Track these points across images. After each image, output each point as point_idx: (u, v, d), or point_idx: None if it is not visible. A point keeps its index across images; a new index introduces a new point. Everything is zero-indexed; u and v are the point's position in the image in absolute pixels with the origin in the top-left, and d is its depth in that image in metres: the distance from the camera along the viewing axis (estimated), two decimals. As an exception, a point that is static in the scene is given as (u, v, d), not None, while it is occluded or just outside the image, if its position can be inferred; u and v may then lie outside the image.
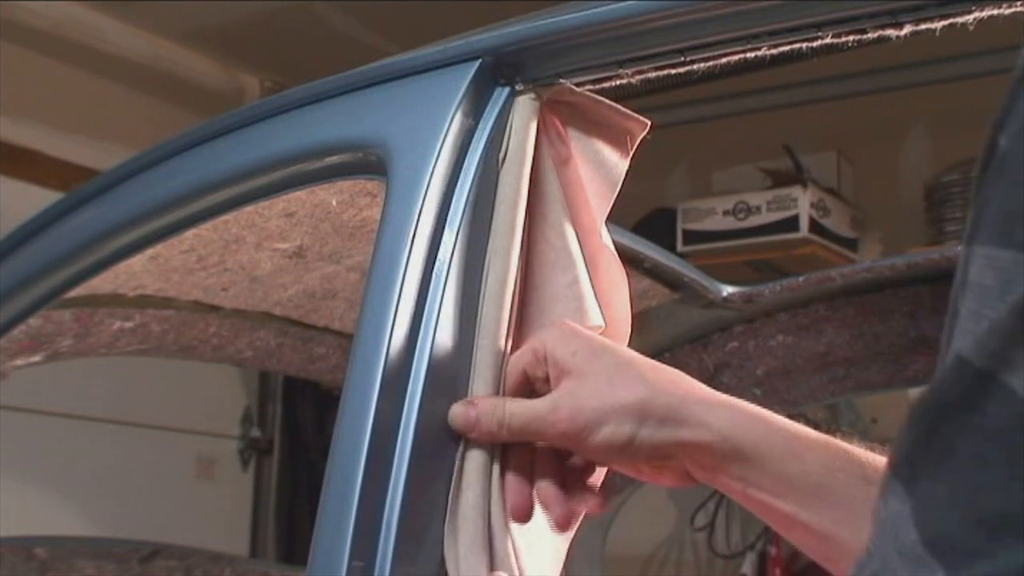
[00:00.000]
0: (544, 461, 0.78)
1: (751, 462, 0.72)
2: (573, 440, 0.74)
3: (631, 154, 0.88)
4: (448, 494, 0.76)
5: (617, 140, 0.87)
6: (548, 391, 0.77)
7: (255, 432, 3.85)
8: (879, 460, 0.72)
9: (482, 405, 0.76)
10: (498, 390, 0.78)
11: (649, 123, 0.87)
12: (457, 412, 0.76)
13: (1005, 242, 0.38)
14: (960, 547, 0.37)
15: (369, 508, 0.74)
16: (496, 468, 0.78)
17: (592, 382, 0.74)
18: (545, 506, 0.77)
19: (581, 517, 0.79)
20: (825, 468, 0.72)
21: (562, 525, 0.78)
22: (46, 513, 3.17)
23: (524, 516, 0.76)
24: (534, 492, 0.77)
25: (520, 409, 0.76)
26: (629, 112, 0.87)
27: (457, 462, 0.76)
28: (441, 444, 0.76)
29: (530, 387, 0.78)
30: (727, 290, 1.41)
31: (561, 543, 0.81)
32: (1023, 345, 0.37)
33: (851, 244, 3.27)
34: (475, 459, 0.76)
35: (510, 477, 0.77)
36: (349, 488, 0.75)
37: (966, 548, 0.36)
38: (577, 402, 0.74)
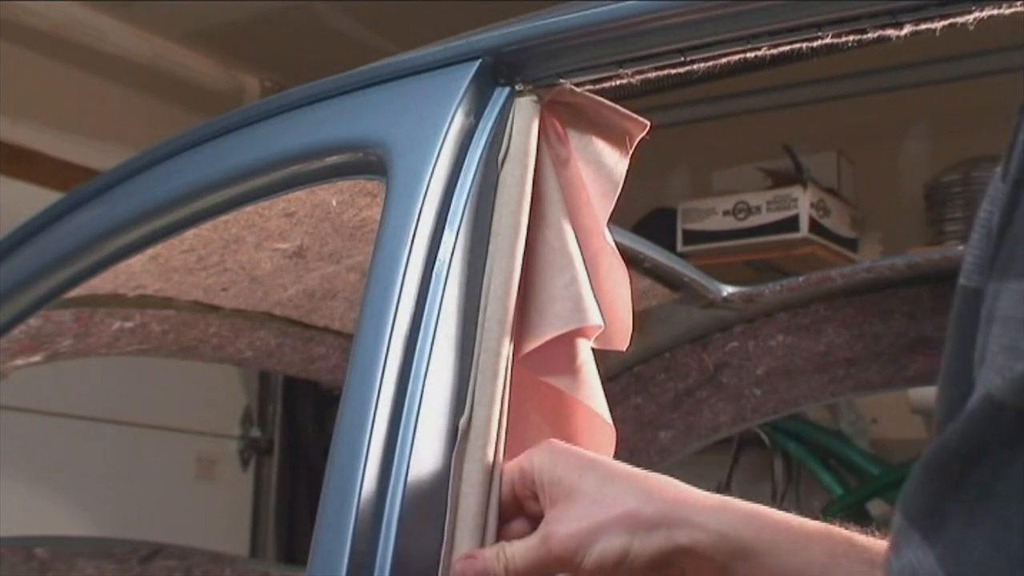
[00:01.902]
0: None
1: (753, 559, 0.71)
2: (569, 565, 0.73)
3: (631, 154, 0.88)
4: (448, 494, 0.76)
5: (617, 141, 0.87)
6: (537, 509, 0.76)
7: (255, 432, 3.86)
8: (881, 543, 0.71)
9: (485, 556, 0.75)
10: (499, 394, 0.78)
11: (648, 124, 0.87)
12: (464, 568, 0.74)
13: None
14: None
15: (369, 508, 0.74)
16: (496, 468, 0.78)
17: (579, 503, 0.73)
18: None
19: None
20: (829, 556, 0.70)
21: None
22: (46, 513, 3.17)
23: None
24: None
25: (520, 551, 0.74)
26: (629, 113, 0.87)
27: (456, 462, 0.76)
28: (441, 444, 0.76)
29: (517, 504, 0.78)
30: (727, 290, 1.41)
31: None
32: None
33: (851, 244, 3.27)
34: (475, 459, 0.76)
35: None
36: (349, 488, 0.75)
37: None
38: (566, 526, 0.73)
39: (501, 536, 0.77)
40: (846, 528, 0.73)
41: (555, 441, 0.78)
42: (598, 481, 0.74)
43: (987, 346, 0.39)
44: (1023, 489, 0.36)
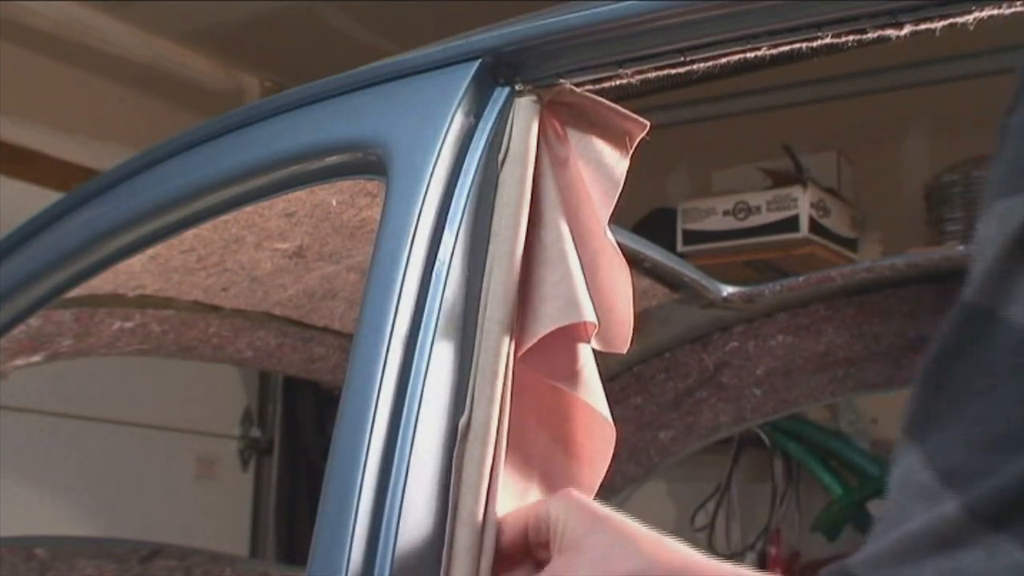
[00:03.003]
0: None
1: None
2: None
3: (630, 155, 0.88)
4: (448, 494, 0.76)
5: (617, 141, 0.87)
6: (546, 556, 0.76)
7: (255, 432, 3.86)
8: None
9: None
10: (499, 394, 0.78)
11: (648, 124, 0.87)
12: None
13: (1008, 192, 0.40)
14: (971, 472, 0.38)
15: (369, 508, 0.74)
16: (496, 468, 0.78)
17: (588, 556, 0.73)
18: None
19: None
20: None
21: None
22: (46, 513, 3.17)
23: None
24: None
25: None
26: (628, 113, 0.87)
27: (456, 462, 0.76)
28: (441, 444, 0.76)
29: (526, 548, 0.77)
30: (727, 290, 1.41)
31: None
32: (1016, 279, 0.38)
33: (851, 244, 3.27)
34: (474, 459, 0.76)
35: None
36: (349, 488, 0.75)
37: (977, 471, 0.38)
38: (573, 572, 0.73)
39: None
40: None
41: (573, 492, 0.78)
42: (607, 539, 0.74)
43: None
44: (988, 378, 0.39)
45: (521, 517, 0.77)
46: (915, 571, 0.38)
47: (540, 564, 0.77)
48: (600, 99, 0.86)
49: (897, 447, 0.42)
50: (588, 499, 0.78)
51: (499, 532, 0.77)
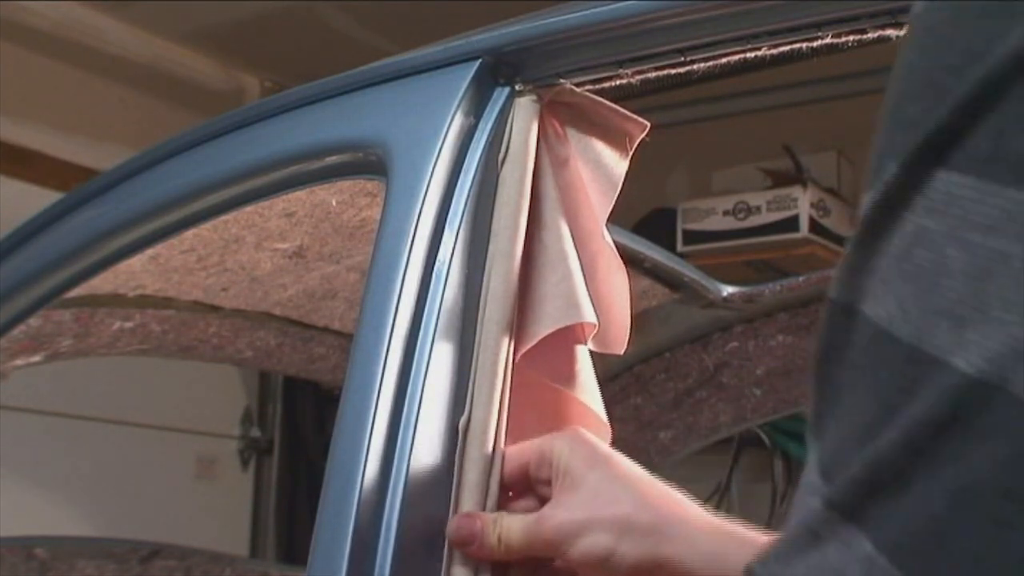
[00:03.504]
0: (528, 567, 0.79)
1: None
2: (556, 550, 0.75)
3: (630, 155, 0.88)
4: (448, 494, 0.76)
5: (616, 141, 0.87)
6: (547, 492, 0.77)
7: (255, 432, 3.85)
8: None
9: (483, 520, 0.76)
10: (499, 394, 0.78)
11: (648, 124, 0.87)
12: (461, 524, 0.76)
13: (868, 185, 0.40)
14: (839, 466, 0.39)
15: (369, 508, 0.74)
16: (495, 468, 0.78)
17: (581, 494, 0.75)
18: None
19: None
20: None
21: None
22: (46, 513, 3.17)
23: None
24: None
25: (517, 525, 0.76)
26: (628, 113, 0.87)
27: (457, 462, 0.76)
28: (441, 444, 0.76)
29: (527, 484, 0.78)
30: (727, 290, 1.41)
31: None
32: (867, 272, 0.39)
33: (851, 244, 3.26)
34: (474, 459, 0.77)
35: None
36: (349, 488, 0.75)
37: (843, 465, 0.38)
38: (562, 514, 0.75)
39: (505, 508, 0.78)
40: None
41: (580, 430, 0.79)
42: (603, 478, 0.75)
43: None
44: (851, 374, 0.40)
45: (524, 452, 0.79)
46: (792, 569, 0.39)
47: (541, 499, 0.78)
48: (600, 99, 0.86)
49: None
50: (592, 437, 0.79)
51: (505, 466, 0.78)
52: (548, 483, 0.77)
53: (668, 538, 0.73)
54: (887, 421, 0.37)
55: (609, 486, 0.75)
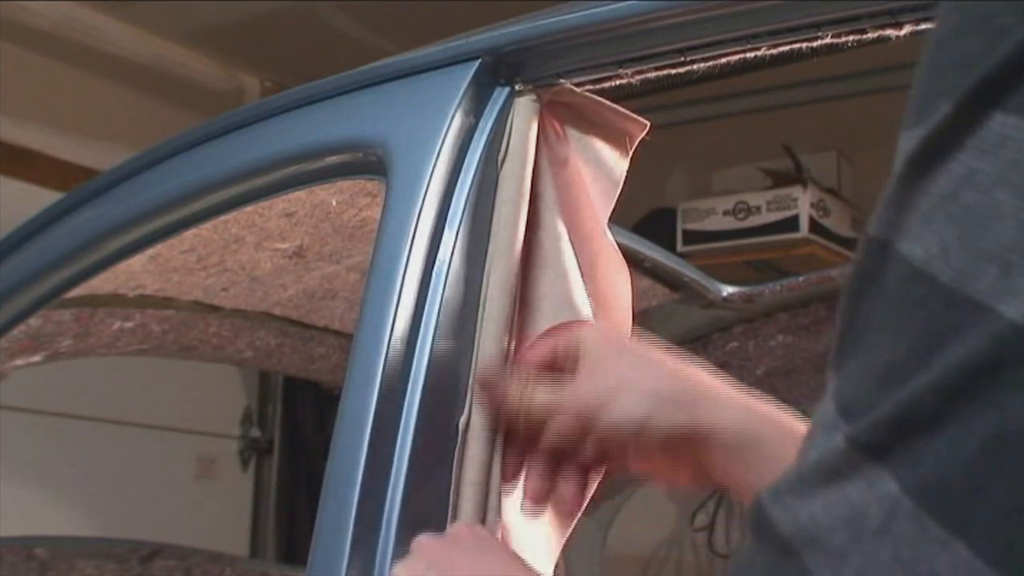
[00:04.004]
0: (542, 457, 0.78)
1: (768, 454, 0.72)
2: (589, 417, 0.74)
3: (630, 155, 0.88)
4: (448, 494, 0.76)
5: (616, 141, 0.87)
6: (570, 381, 0.77)
7: (255, 432, 3.85)
8: None
9: (511, 377, 0.77)
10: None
11: (648, 124, 0.87)
12: (489, 375, 0.76)
13: (908, 125, 0.40)
14: (861, 404, 0.38)
15: (369, 508, 0.74)
16: (496, 468, 0.78)
17: (610, 371, 0.75)
18: (546, 492, 0.78)
19: (571, 516, 0.79)
20: None
21: (538, 500, 0.78)
22: (46, 513, 3.17)
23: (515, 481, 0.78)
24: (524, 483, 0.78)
25: (544, 392, 0.76)
26: (628, 113, 0.87)
27: (456, 462, 0.76)
28: (441, 444, 0.76)
29: (552, 370, 0.78)
30: (727, 290, 1.41)
31: (556, 546, 0.81)
32: (908, 209, 0.38)
33: (851, 244, 3.26)
34: (474, 459, 0.76)
35: (509, 459, 0.78)
36: (349, 488, 0.75)
37: (866, 404, 0.38)
38: (596, 383, 0.75)
39: None
40: None
41: (603, 323, 0.81)
42: (631, 358, 0.76)
43: None
44: (880, 312, 0.39)
45: (551, 341, 0.79)
46: (808, 504, 0.39)
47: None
48: (600, 99, 0.86)
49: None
50: (617, 330, 0.80)
51: (528, 353, 0.79)
52: (572, 371, 0.77)
53: (699, 407, 0.73)
54: (921, 363, 0.36)
55: (637, 363, 0.76)
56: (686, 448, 0.74)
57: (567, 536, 0.81)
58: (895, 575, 0.36)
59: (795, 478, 0.40)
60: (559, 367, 0.78)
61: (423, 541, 0.72)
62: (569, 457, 0.78)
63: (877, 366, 0.38)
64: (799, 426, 0.74)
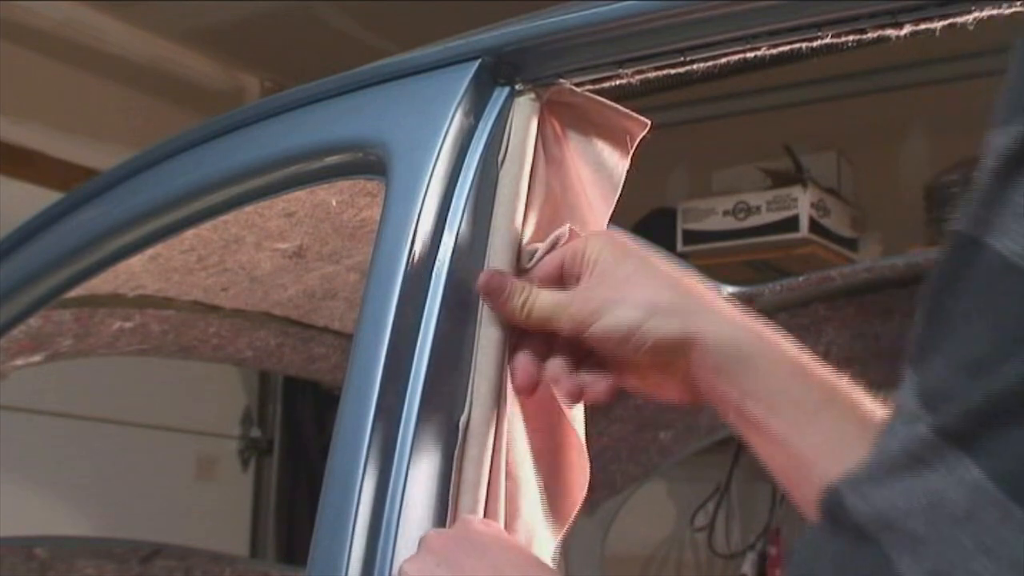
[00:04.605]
0: (555, 347, 0.79)
1: (755, 373, 0.73)
2: (582, 325, 0.76)
3: (631, 154, 0.88)
4: (448, 494, 0.76)
5: (617, 140, 0.87)
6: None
7: (255, 432, 3.85)
8: (879, 406, 0.74)
9: (513, 282, 0.78)
10: (499, 394, 0.78)
11: (649, 123, 0.87)
12: (492, 277, 0.78)
13: (1002, 121, 0.41)
14: (947, 394, 0.39)
15: (369, 508, 0.74)
16: (496, 468, 0.78)
17: (611, 279, 0.76)
18: (553, 381, 0.78)
19: (590, 397, 0.79)
20: (827, 397, 0.73)
21: (573, 396, 0.79)
22: (46, 513, 3.17)
23: (528, 390, 0.78)
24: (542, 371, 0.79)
25: (546, 296, 0.77)
26: (629, 112, 0.87)
27: (456, 462, 0.76)
28: (441, 444, 0.76)
29: (562, 283, 0.79)
30: (727, 290, 1.41)
31: (552, 542, 0.81)
32: (1001, 205, 0.39)
33: (851, 244, 3.26)
34: (474, 458, 0.77)
35: (520, 357, 0.79)
36: (349, 488, 0.75)
37: (952, 394, 0.39)
38: (593, 292, 0.76)
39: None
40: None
41: (616, 231, 0.82)
42: (635, 267, 0.77)
43: None
44: (968, 304, 0.40)
45: (558, 255, 0.80)
46: (888, 491, 0.39)
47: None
48: (600, 99, 0.86)
49: (903, 374, 0.43)
50: (624, 237, 0.81)
51: (537, 269, 0.80)
52: (579, 278, 0.78)
53: (693, 317, 0.74)
54: (1011, 353, 0.37)
55: (639, 272, 0.77)
56: (676, 359, 0.75)
57: (566, 523, 0.82)
58: (976, 560, 0.36)
59: (873, 466, 0.40)
60: (566, 279, 0.79)
61: (432, 536, 0.72)
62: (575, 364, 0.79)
63: (965, 358, 0.39)
64: (793, 350, 0.75)
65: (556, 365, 0.78)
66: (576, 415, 0.85)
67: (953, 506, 0.37)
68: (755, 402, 0.73)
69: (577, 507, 0.84)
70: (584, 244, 0.79)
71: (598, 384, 0.78)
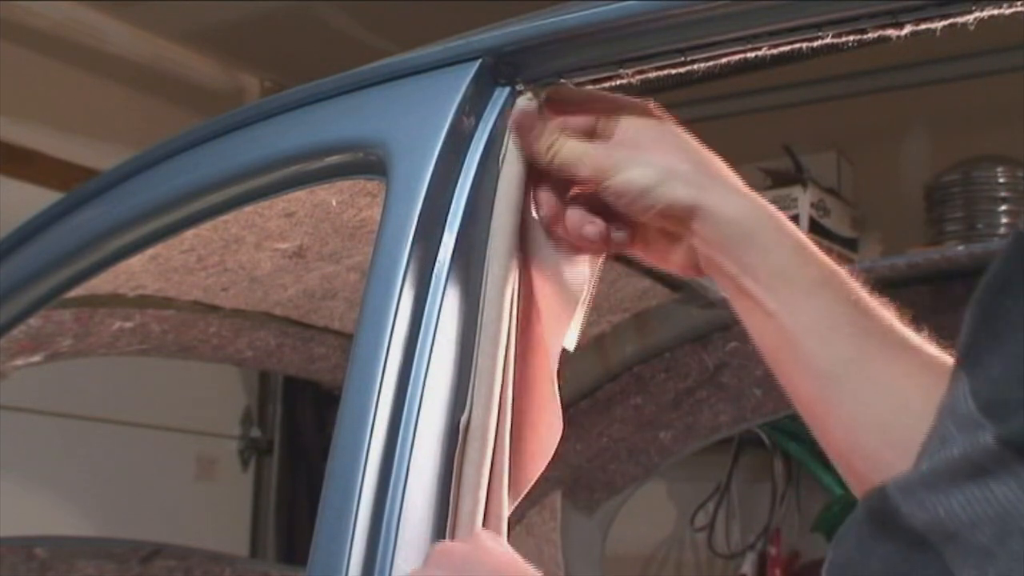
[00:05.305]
0: (577, 196, 0.81)
1: (756, 249, 0.75)
2: (602, 175, 0.78)
3: None
4: (448, 494, 0.76)
5: None
6: None
7: (255, 432, 3.85)
8: (870, 296, 0.76)
9: (546, 124, 0.80)
10: (499, 394, 0.78)
11: (649, 104, 0.87)
12: (525, 116, 0.80)
13: None
14: (1010, 404, 0.38)
15: (369, 508, 0.74)
16: (496, 468, 0.78)
17: (638, 139, 0.79)
18: (577, 227, 0.80)
19: (614, 244, 0.82)
20: (822, 280, 0.74)
21: (598, 240, 0.80)
22: (46, 513, 3.17)
23: (553, 221, 0.81)
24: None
25: (573, 143, 0.79)
26: (628, 98, 0.87)
27: (457, 462, 0.76)
28: (441, 444, 0.76)
29: (590, 136, 0.81)
30: (727, 290, 1.41)
31: (510, 502, 0.81)
32: None
33: (851, 244, 3.26)
34: (474, 458, 0.77)
35: (543, 192, 0.81)
36: (349, 488, 0.75)
37: (1012, 403, 0.37)
38: (617, 148, 0.79)
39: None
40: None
41: (650, 103, 0.83)
42: (661, 133, 0.80)
43: None
44: None
45: (592, 112, 0.82)
46: (946, 498, 0.38)
47: None
48: (597, 90, 0.85)
49: (952, 375, 0.42)
50: (657, 109, 0.82)
51: (570, 119, 0.82)
52: (609, 139, 0.80)
53: (705, 188, 0.76)
54: None
55: (664, 139, 0.79)
56: (682, 227, 0.77)
57: (527, 485, 0.83)
58: None
59: (929, 472, 0.40)
60: (598, 135, 0.81)
61: (441, 550, 0.72)
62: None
63: None
64: (797, 232, 0.76)
65: (576, 212, 0.80)
66: (550, 373, 0.84)
67: (1022, 520, 0.36)
68: (752, 279, 0.75)
69: (542, 468, 0.84)
70: (620, 105, 0.81)
71: (620, 232, 0.80)
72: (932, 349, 0.73)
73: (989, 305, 0.41)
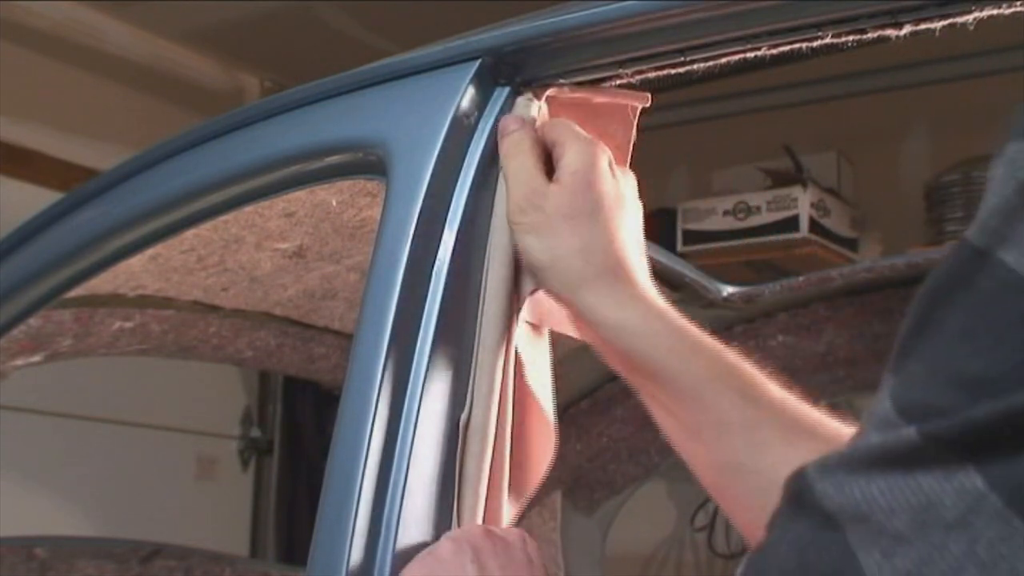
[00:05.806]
0: None
1: (636, 352, 0.75)
2: (512, 220, 0.78)
3: (634, 125, 0.87)
4: (448, 493, 0.76)
5: (620, 118, 0.86)
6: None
7: (255, 432, 3.86)
8: (765, 382, 0.77)
9: (525, 132, 0.81)
10: (499, 392, 0.78)
11: (649, 96, 0.86)
12: (520, 111, 0.81)
13: (1018, 136, 0.40)
14: (932, 409, 0.38)
15: (369, 508, 0.74)
16: (496, 467, 0.78)
17: (563, 204, 0.77)
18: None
19: None
20: (709, 378, 0.75)
21: None
22: (46, 513, 3.17)
23: None
24: None
25: (517, 166, 0.79)
26: (627, 92, 0.87)
27: (457, 461, 0.76)
28: (441, 443, 0.76)
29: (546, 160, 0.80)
30: (727, 290, 1.41)
31: (511, 514, 0.81)
32: (1019, 220, 0.38)
33: (851, 244, 3.26)
34: (474, 457, 0.77)
35: None
36: (349, 488, 0.75)
37: (938, 409, 0.38)
38: (541, 199, 0.77)
39: None
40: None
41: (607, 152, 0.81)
42: (591, 204, 0.77)
43: None
44: (968, 320, 0.39)
45: (551, 133, 0.81)
46: (865, 483, 0.39)
47: None
48: (597, 86, 0.85)
49: (882, 382, 0.43)
50: (607, 160, 0.81)
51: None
52: (555, 167, 0.79)
53: (585, 290, 0.76)
54: (1020, 375, 0.36)
55: (591, 216, 0.77)
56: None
57: (525, 496, 0.83)
58: (965, 569, 0.35)
59: (849, 456, 0.40)
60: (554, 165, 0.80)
61: (467, 532, 0.73)
62: None
63: (962, 373, 0.38)
64: (680, 322, 0.76)
65: None
66: (543, 387, 0.84)
67: (946, 511, 0.36)
68: (640, 376, 0.76)
69: (538, 481, 0.84)
70: (569, 146, 0.79)
71: None
72: (830, 425, 0.73)
73: (924, 310, 0.41)
